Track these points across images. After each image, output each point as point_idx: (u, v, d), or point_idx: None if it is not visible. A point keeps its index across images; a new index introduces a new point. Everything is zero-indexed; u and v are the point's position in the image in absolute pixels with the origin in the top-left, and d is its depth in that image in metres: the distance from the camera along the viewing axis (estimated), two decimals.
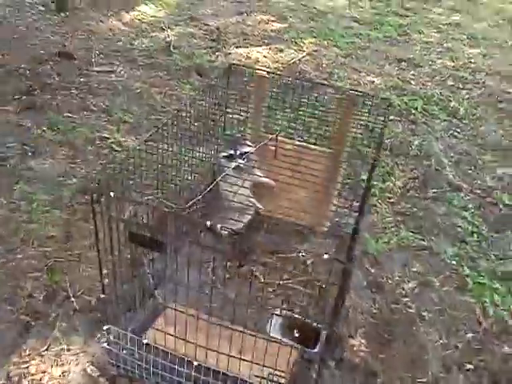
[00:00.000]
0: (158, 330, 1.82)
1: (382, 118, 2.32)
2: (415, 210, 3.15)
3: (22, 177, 3.07)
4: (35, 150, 3.33)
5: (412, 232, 2.95)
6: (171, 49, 5.01)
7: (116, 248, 1.66)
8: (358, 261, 2.64)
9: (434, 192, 3.32)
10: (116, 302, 1.85)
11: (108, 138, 3.57)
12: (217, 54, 5.10)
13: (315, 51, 5.41)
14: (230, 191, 2.19)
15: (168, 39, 5.21)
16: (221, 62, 4.88)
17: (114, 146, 3.50)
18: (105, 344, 1.92)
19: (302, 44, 5.56)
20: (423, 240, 2.90)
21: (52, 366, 2.01)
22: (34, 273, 2.43)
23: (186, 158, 2.37)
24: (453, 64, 5.42)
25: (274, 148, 2.53)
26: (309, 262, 2.62)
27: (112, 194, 1.54)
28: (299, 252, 2.66)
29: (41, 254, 2.54)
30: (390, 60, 5.41)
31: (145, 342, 1.82)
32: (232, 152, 2.50)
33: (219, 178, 2.22)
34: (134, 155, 1.88)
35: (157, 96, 4.19)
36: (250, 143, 2.62)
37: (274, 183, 2.62)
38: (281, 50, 5.34)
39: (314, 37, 5.80)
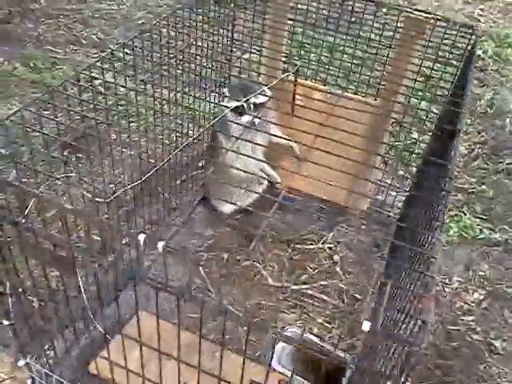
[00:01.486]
0: (106, 358, 1.18)
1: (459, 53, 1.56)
2: (483, 187, 2.39)
3: None
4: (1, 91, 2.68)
5: (479, 218, 2.21)
6: None
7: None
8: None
9: (508, 163, 2.55)
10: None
11: (96, 79, 2.87)
12: None
13: None
14: (237, 157, 1.53)
15: None
16: None
17: (101, 88, 2.80)
18: (29, 382, 1.32)
19: None
20: (494, 230, 2.16)
21: None
22: None
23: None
24: None
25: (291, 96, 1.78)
26: (337, 256, 1.93)
27: None
28: (325, 242, 1.98)
29: None
30: None
31: None
32: (242, 103, 1.80)
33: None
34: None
35: (163, 29, 3.42)
36: (267, 91, 1.89)
37: (297, 146, 1.91)
38: None
39: None
